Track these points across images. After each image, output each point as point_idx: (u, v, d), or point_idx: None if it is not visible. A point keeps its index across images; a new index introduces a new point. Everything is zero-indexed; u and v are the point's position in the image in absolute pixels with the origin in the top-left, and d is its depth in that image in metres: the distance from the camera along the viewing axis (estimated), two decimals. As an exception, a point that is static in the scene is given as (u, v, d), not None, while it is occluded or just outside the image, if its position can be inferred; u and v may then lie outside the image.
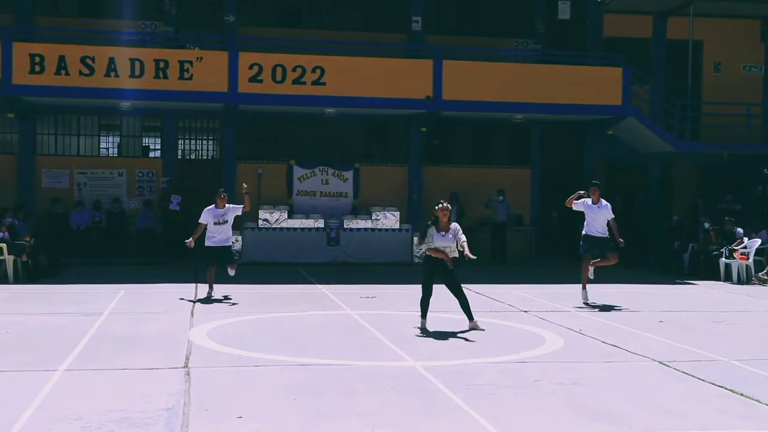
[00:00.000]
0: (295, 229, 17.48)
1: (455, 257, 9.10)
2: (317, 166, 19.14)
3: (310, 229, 17.55)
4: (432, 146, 20.16)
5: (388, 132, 20.12)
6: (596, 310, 11.30)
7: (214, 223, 11.66)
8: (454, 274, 9.17)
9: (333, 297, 12.21)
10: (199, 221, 11.76)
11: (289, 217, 17.57)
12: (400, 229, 17.87)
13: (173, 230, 17.82)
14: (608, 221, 11.92)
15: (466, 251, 8.99)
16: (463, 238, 9.12)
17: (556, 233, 20.26)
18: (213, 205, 11.78)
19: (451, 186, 19.14)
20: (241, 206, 11.84)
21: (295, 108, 18.15)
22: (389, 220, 17.84)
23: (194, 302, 11.32)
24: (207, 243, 11.68)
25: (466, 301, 9.30)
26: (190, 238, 11.57)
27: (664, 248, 18.08)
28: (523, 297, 12.64)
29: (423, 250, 9.30)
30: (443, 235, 9.10)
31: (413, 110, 18.44)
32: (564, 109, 18.48)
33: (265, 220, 17.50)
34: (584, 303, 11.60)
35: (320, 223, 17.72)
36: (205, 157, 19.48)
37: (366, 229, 17.78)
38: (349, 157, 19.61)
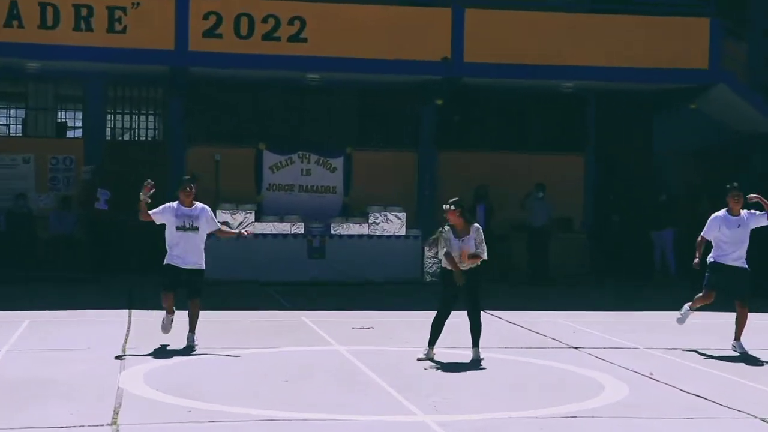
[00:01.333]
0: (265, 236, 17.49)
1: (473, 265, 9.70)
2: (295, 151, 19.14)
3: (285, 236, 17.56)
4: (450, 125, 20.16)
5: (391, 106, 20.12)
6: (671, 346, 11.27)
7: (177, 228, 10.46)
8: (478, 292, 9.82)
9: (316, 327, 12.25)
10: (151, 212, 10.44)
11: (258, 219, 17.58)
12: (406, 236, 17.90)
13: (100, 237, 17.76)
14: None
15: (473, 258, 9.67)
16: (481, 239, 9.78)
17: (618, 243, 20.24)
18: (175, 202, 10.66)
19: (476, 178, 19.15)
20: (217, 227, 10.81)
21: (265, 73, 18.12)
22: (392, 224, 17.86)
23: (127, 334, 11.25)
24: (167, 260, 10.53)
25: (479, 326, 9.90)
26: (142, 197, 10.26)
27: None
28: (573, 329, 12.59)
29: (440, 262, 9.82)
30: (463, 241, 9.70)
31: (425, 76, 18.44)
32: (628, 75, 18.49)
33: (225, 224, 17.42)
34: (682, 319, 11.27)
35: (299, 228, 17.71)
36: (143, 138, 19.47)
37: (361, 237, 17.81)
38: (339, 139, 19.63)
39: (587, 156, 20.52)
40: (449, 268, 9.75)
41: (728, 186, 11.34)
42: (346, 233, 17.78)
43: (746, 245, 11.03)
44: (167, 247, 10.57)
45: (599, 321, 13.48)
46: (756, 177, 20.39)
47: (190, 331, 10.71)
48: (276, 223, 17.64)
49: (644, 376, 9.39)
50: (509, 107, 20.50)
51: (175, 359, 9.82)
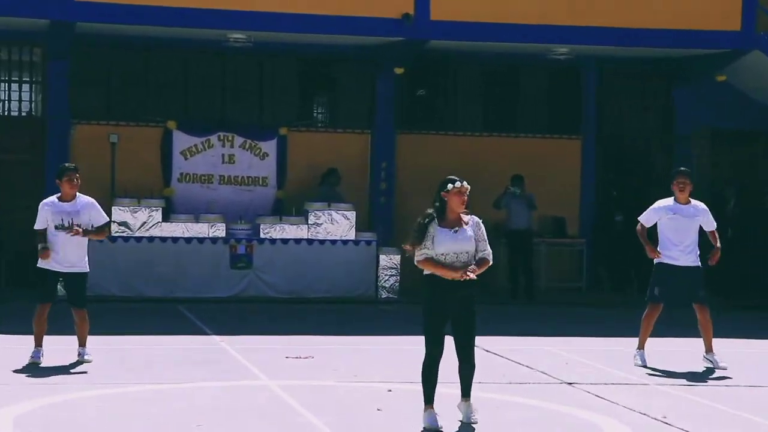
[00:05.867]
0: (175, 239, 17.49)
1: (473, 269, 8.85)
2: (215, 132, 19.15)
3: (201, 241, 17.56)
4: (412, 100, 20.18)
5: (338, 75, 20.14)
6: (689, 382, 11.43)
7: (56, 227, 11.32)
8: (473, 310, 8.98)
9: (240, 357, 12.24)
10: (36, 227, 11.46)
11: (166, 219, 17.56)
12: (356, 241, 17.96)
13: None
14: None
15: (482, 264, 8.92)
16: (485, 236, 9.04)
17: (624, 251, 20.39)
18: (54, 197, 11.55)
19: (444, 167, 18.86)
20: (99, 228, 11.60)
21: (176, 31, 18.07)
22: (338, 225, 17.91)
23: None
24: (42, 263, 11.39)
25: (473, 368, 9.13)
26: (41, 245, 11.27)
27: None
28: (566, 359, 12.65)
29: (420, 263, 8.87)
30: (454, 234, 8.87)
31: (381, 38, 18.48)
32: (639, 38, 18.64)
33: (124, 224, 17.42)
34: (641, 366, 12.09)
35: (220, 230, 17.71)
36: (14, 113, 19.28)
37: (298, 241, 17.84)
38: (272, 117, 19.64)
39: (585, 140, 20.68)
40: (441, 275, 8.81)
41: (675, 171, 12.40)
42: (279, 237, 17.77)
43: (696, 240, 12.04)
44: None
45: (599, 349, 13.56)
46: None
47: (80, 345, 11.33)
48: (190, 224, 17.58)
49: (655, 419, 9.41)
50: (486, 79, 20.60)
51: (59, 396, 9.74)
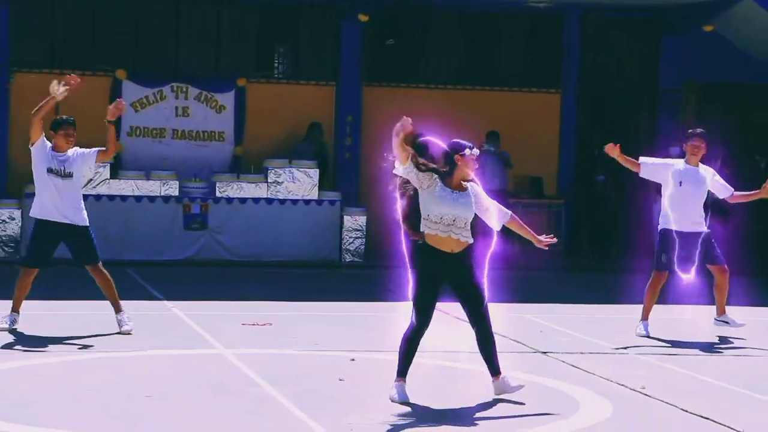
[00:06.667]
0: (124, 198, 17.45)
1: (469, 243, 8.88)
2: (168, 82, 19.07)
3: (153, 199, 17.52)
4: (380, 50, 20.10)
5: (301, 23, 20.04)
6: (669, 347, 11.53)
7: (48, 171, 11.33)
8: (474, 276, 9.05)
9: (193, 324, 12.26)
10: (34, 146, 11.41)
11: (114, 176, 17.52)
12: (319, 201, 17.93)
13: None
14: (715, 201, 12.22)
15: (525, 231, 9.22)
16: (496, 205, 9.16)
17: (605, 213, 20.45)
18: (49, 144, 11.51)
19: (416, 122, 18.88)
20: (96, 151, 11.70)
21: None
22: (300, 184, 17.91)
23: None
24: (35, 211, 11.46)
25: (491, 335, 9.14)
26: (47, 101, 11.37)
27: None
28: (541, 327, 12.69)
29: (420, 228, 8.82)
30: (454, 197, 8.88)
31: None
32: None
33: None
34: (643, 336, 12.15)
35: (172, 188, 17.64)
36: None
37: (257, 201, 17.84)
38: (230, 67, 19.59)
39: (566, 94, 20.72)
40: (436, 246, 8.79)
41: (691, 132, 12.32)
42: (236, 196, 17.74)
43: (702, 205, 12.14)
44: (36, 200, 11.39)
45: (576, 317, 13.62)
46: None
47: (115, 311, 11.55)
48: (140, 182, 17.56)
49: (633, 390, 9.48)
50: (461, 28, 20.56)
51: (-6, 366, 9.73)
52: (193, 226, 17.65)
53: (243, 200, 17.77)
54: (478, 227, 9.20)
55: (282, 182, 17.83)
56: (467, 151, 8.97)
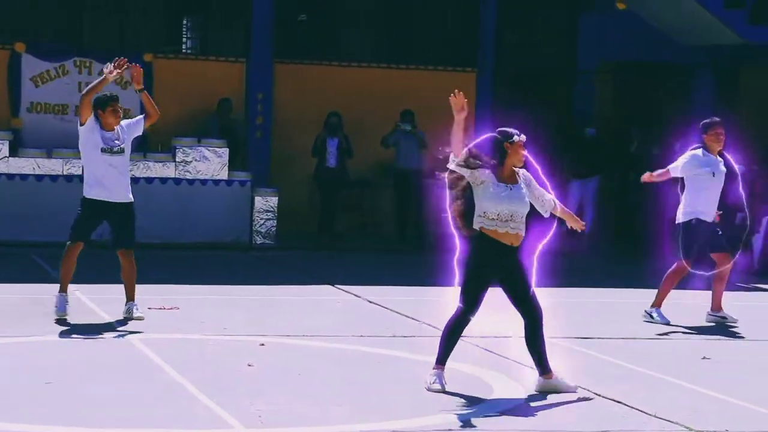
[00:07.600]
0: (24, 177, 17.25)
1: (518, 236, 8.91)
2: (70, 56, 18.76)
3: (54, 179, 17.31)
4: (292, 26, 19.92)
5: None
6: (589, 336, 11.58)
7: (102, 150, 11.43)
8: (525, 274, 9.10)
9: (95, 307, 12.27)
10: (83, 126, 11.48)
11: (13, 154, 17.29)
12: (229, 182, 17.84)
13: None
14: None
15: (565, 215, 9.23)
16: (550, 195, 9.17)
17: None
18: (96, 121, 11.51)
19: (327, 101, 19.14)
20: (141, 118, 11.87)
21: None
22: (209, 163, 17.82)
23: None
24: (89, 193, 11.51)
25: (541, 334, 9.12)
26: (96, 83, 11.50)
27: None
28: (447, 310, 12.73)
29: (473, 220, 8.86)
30: (509, 190, 8.86)
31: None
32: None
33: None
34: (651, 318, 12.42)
35: (75, 167, 17.25)
36: None
37: (165, 181, 17.71)
38: (136, 41, 19.36)
39: (482, 73, 20.68)
40: (496, 239, 8.83)
41: (710, 120, 12.33)
42: (143, 176, 17.47)
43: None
44: (87, 180, 11.53)
45: (490, 300, 13.56)
46: (702, 100, 20.87)
47: (129, 299, 11.70)
48: (41, 160, 17.32)
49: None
50: (376, 4, 20.57)
51: None
52: (97, 207, 17.42)
53: (150, 180, 17.58)
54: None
55: (191, 162, 17.70)
56: (516, 138, 8.95)
